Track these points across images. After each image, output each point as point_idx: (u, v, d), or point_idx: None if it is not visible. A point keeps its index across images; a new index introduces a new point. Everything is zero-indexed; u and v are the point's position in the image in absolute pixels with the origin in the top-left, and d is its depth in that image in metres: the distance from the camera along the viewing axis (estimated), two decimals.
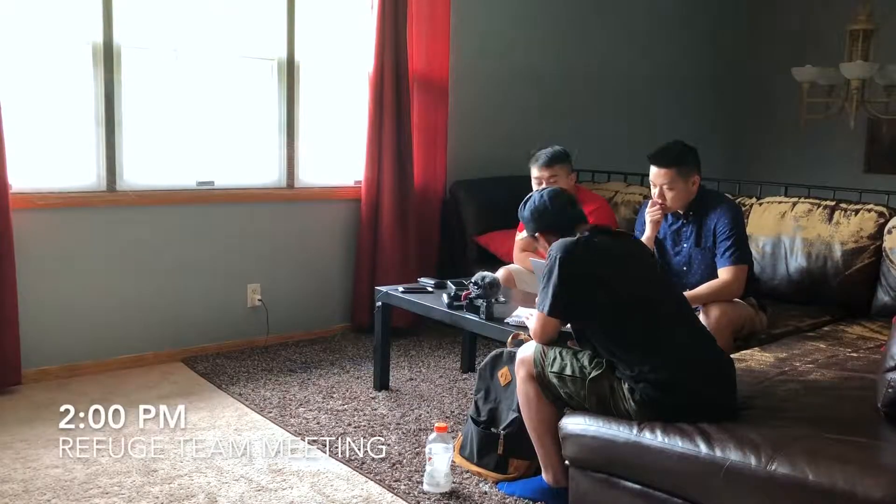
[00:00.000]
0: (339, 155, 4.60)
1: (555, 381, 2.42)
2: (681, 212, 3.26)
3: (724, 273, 3.09)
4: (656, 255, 3.16)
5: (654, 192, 3.22)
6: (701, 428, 2.14)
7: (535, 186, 3.58)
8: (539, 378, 2.46)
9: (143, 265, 3.97)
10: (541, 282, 2.45)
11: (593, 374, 2.35)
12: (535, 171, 3.66)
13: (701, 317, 2.93)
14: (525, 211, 2.65)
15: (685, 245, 3.26)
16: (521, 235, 3.82)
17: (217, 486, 2.72)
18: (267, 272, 4.36)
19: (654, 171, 3.20)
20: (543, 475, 2.60)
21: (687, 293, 2.94)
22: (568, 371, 2.39)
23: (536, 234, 2.64)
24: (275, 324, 4.35)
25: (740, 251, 3.11)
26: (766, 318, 3.27)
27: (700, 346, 2.39)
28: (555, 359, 2.43)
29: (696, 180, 3.18)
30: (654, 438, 2.17)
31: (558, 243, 2.43)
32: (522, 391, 2.53)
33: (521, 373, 2.53)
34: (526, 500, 2.64)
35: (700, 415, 2.19)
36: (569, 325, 2.49)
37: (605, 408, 2.33)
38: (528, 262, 3.57)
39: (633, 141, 5.72)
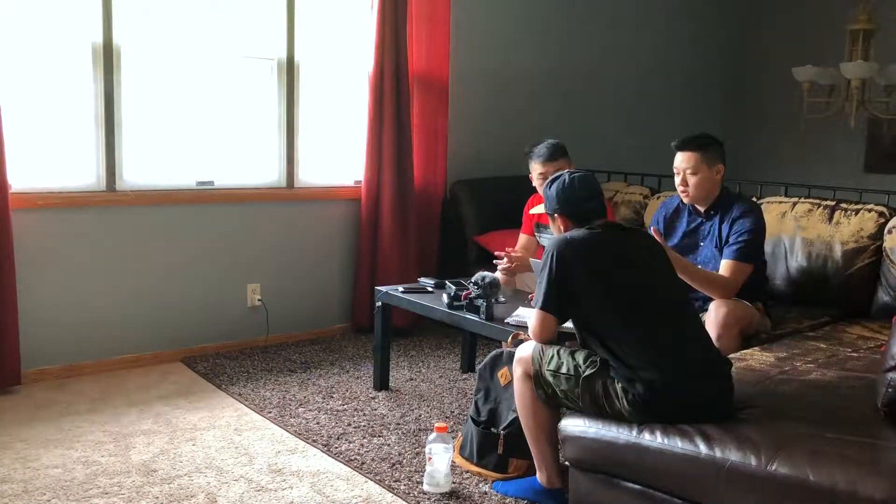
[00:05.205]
0: (338, 155, 4.60)
1: (550, 378, 2.41)
2: (701, 209, 3.24)
3: (725, 267, 3.05)
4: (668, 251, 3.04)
5: (677, 179, 3.21)
6: (701, 428, 2.13)
7: (536, 184, 3.55)
8: (535, 376, 2.45)
9: (142, 265, 3.97)
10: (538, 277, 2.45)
11: (587, 372, 2.33)
12: (537, 167, 3.53)
13: (709, 314, 2.92)
14: (550, 188, 2.56)
15: (701, 244, 3.24)
16: (523, 236, 3.81)
17: (217, 486, 2.71)
18: (267, 272, 4.36)
19: (678, 157, 3.19)
20: (538, 475, 2.59)
21: (688, 263, 2.98)
22: (563, 369, 2.38)
23: (554, 215, 2.58)
24: (275, 324, 4.35)
25: (749, 250, 3.08)
26: (771, 323, 3.27)
27: (696, 346, 2.37)
28: (552, 357, 2.42)
29: (721, 170, 3.17)
30: (653, 440, 2.17)
31: (555, 239, 2.44)
32: (519, 390, 2.53)
33: (518, 371, 2.52)
34: (521, 500, 2.64)
35: (696, 415, 2.18)
36: (570, 325, 2.48)
37: (598, 407, 2.32)
38: (528, 262, 3.56)
39: (633, 141, 5.74)
